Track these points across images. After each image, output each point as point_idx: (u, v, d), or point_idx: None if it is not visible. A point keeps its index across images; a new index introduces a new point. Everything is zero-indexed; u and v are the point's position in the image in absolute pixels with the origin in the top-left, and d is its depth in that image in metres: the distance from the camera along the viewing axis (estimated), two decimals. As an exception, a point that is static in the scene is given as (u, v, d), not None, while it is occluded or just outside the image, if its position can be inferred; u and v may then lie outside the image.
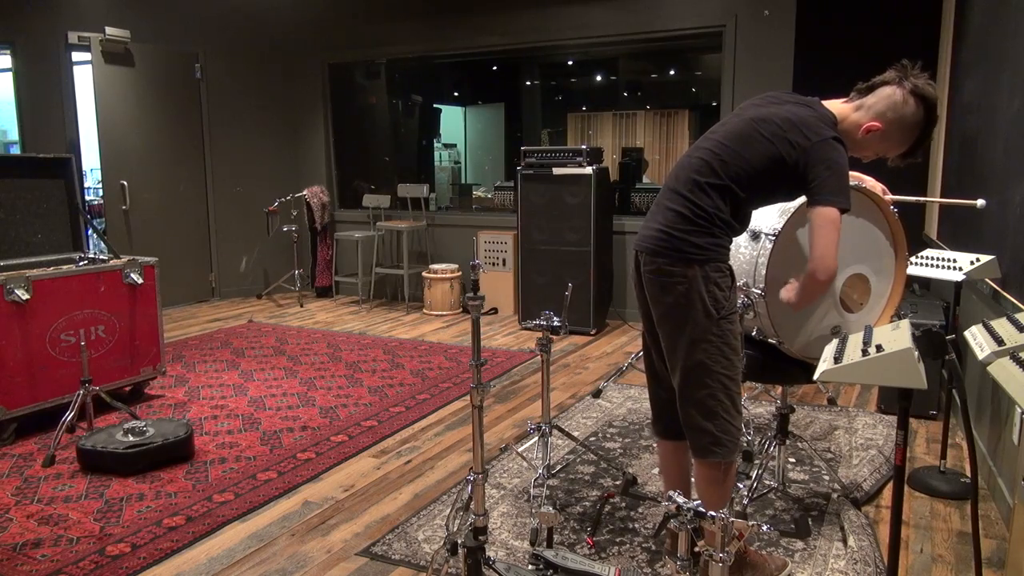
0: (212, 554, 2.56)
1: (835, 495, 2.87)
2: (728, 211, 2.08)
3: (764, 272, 2.44)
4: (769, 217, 2.54)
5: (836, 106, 2.17)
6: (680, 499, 1.63)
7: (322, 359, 5.00)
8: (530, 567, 2.27)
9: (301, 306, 6.84)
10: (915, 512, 2.80)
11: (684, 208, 2.07)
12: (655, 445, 3.41)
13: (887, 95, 2.12)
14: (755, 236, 2.53)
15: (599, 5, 6.05)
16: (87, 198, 7.71)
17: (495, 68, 9.47)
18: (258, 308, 6.83)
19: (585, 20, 6.13)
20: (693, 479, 2.28)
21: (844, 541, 2.53)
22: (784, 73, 5.41)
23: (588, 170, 5.60)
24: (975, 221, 3.54)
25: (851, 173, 2.24)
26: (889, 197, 2.55)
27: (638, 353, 4.40)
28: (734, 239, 2.20)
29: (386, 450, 3.47)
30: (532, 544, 2.52)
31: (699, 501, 1.67)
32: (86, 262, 3.93)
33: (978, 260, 2.84)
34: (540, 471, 2.86)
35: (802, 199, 2.44)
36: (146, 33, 6.48)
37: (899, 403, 1.71)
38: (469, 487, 2.13)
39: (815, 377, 1.76)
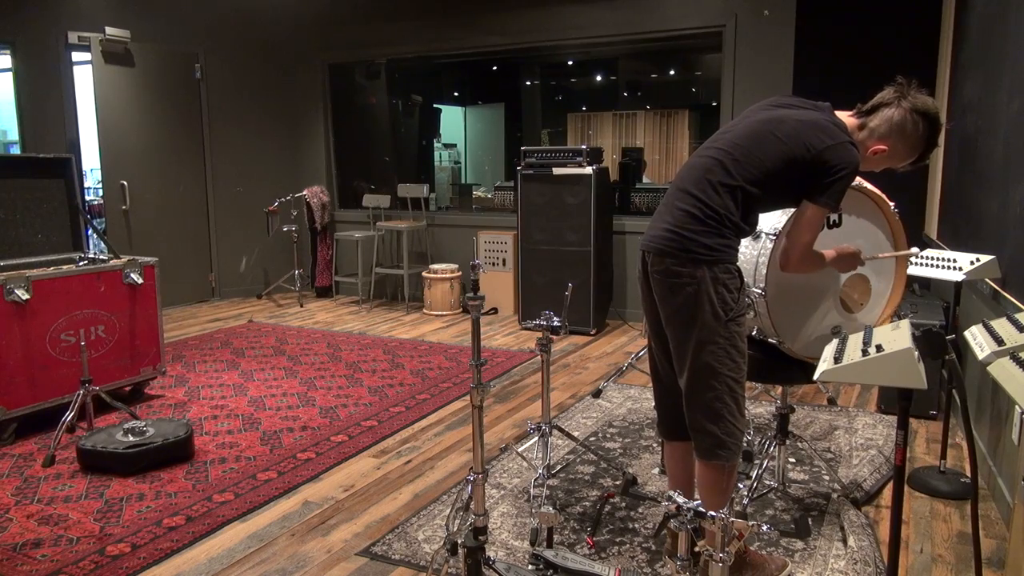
0: (212, 554, 2.56)
1: (835, 495, 2.87)
2: (738, 213, 2.07)
3: (764, 272, 2.45)
4: (770, 217, 2.54)
5: (844, 117, 2.18)
6: (680, 499, 1.63)
7: (322, 359, 5.00)
8: (530, 567, 2.27)
9: (301, 306, 6.84)
10: (915, 512, 2.80)
11: (694, 208, 2.07)
12: (656, 445, 3.41)
13: (888, 117, 2.13)
14: (756, 235, 2.53)
15: (599, 5, 6.06)
16: (87, 198, 7.71)
17: (495, 68, 9.48)
18: (258, 308, 6.83)
19: (585, 20, 6.14)
20: (696, 482, 2.28)
21: (844, 541, 2.53)
22: (784, 73, 5.41)
23: (588, 170, 5.60)
24: (975, 221, 3.54)
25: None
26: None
27: (638, 353, 4.41)
28: None
29: (386, 450, 3.47)
30: (532, 544, 2.53)
31: (699, 501, 1.67)
32: (86, 262, 3.93)
33: (978, 260, 2.84)
34: (540, 471, 2.86)
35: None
36: (146, 33, 6.48)
37: (899, 403, 1.71)
38: (469, 487, 2.13)
39: (815, 377, 1.76)
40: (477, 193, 8.52)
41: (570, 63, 9.09)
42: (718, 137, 2.20)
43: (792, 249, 2.12)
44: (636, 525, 2.68)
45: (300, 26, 7.26)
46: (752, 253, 2.53)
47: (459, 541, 2.07)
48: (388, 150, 8.45)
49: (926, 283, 4.45)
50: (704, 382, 2.08)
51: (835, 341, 1.85)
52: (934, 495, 2.91)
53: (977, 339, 1.71)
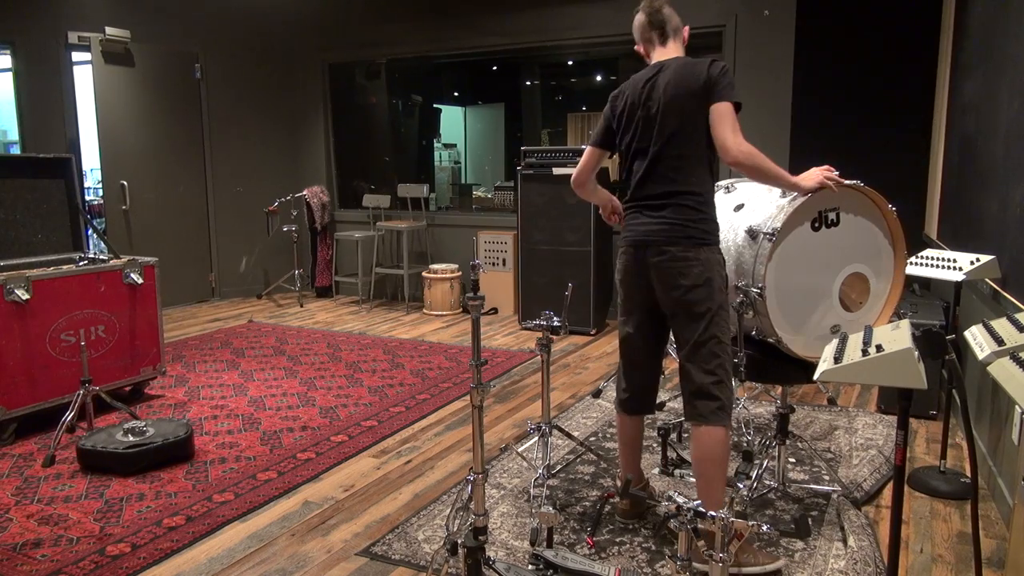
0: (212, 554, 2.56)
1: (835, 495, 2.87)
2: (711, 181, 2.34)
3: (764, 272, 2.45)
4: (767, 216, 2.54)
5: (675, 53, 2.46)
6: (680, 499, 1.64)
7: (322, 359, 5.00)
8: (530, 567, 2.27)
9: (301, 306, 6.84)
10: (915, 512, 2.80)
11: (688, 200, 2.28)
12: (656, 445, 3.41)
13: (671, 15, 2.52)
14: (754, 236, 2.53)
15: (599, 5, 6.05)
16: (87, 198, 7.71)
17: (495, 68, 9.48)
18: (258, 308, 6.83)
19: (585, 20, 6.13)
20: (695, 452, 2.35)
21: (844, 541, 2.53)
22: (784, 73, 5.41)
23: (588, 170, 5.59)
24: (975, 221, 3.54)
25: (843, 181, 2.47)
26: None
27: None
28: (733, 240, 2.32)
29: (386, 450, 3.47)
30: (532, 544, 2.53)
31: (699, 501, 1.68)
32: (86, 262, 3.94)
33: (978, 260, 2.84)
34: (540, 471, 2.86)
35: (800, 198, 2.45)
36: (146, 33, 6.48)
37: (899, 403, 1.71)
38: (469, 487, 2.13)
39: (815, 377, 1.76)
40: (477, 193, 8.53)
41: (570, 63, 9.08)
42: (646, 141, 2.34)
43: (730, 144, 2.21)
44: (636, 525, 2.68)
45: (300, 26, 7.26)
46: (751, 254, 2.53)
47: (459, 541, 2.07)
48: (388, 150, 8.45)
49: (926, 283, 4.45)
50: (710, 352, 2.29)
51: (835, 341, 1.85)
52: (934, 495, 2.91)
53: (977, 339, 1.71)
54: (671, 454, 3.10)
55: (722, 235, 2.67)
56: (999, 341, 1.61)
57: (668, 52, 2.43)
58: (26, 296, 3.55)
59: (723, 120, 2.22)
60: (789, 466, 3.13)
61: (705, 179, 2.31)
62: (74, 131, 6.24)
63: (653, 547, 2.52)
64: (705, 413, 2.30)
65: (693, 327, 2.30)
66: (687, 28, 2.51)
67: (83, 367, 3.54)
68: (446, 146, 9.77)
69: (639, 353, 2.54)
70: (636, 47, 2.53)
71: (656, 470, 3.15)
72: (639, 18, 2.46)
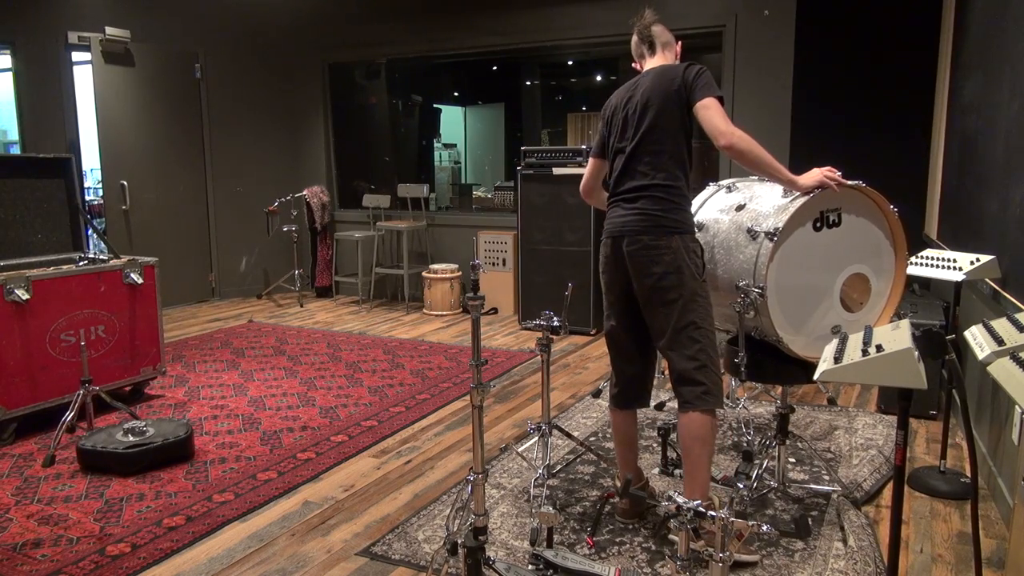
0: (212, 554, 2.56)
1: (835, 495, 2.87)
2: (685, 176, 2.42)
3: (764, 272, 2.45)
4: (768, 216, 2.54)
5: (662, 61, 2.54)
6: (680, 499, 1.64)
7: (322, 359, 5.00)
8: (530, 567, 2.27)
9: (301, 306, 6.84)
10: (915, 512, 2.80)
11: (659, 192, 2.39)
12: (656, 445, 3.41)
13: (660, 32, 2.58)
14: (754, 235, 2.53)
15: (599, 5, 6.05)
16: (87, 198, 7.71)
17: (495, 68, 9.47)
18: (258, 308, 6.83)
19: (585, 20, 6.14)
20: (681, 433, 2.40)
21: (844, 541, 2.53)
22: (784, 73, 5.41)
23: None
24: (975, 221, 3.54)
25: (845, 181, 2.48)
26: None
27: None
28: (734, 240, 2.33)
29: (386, 450, 3.47)
30: (532, 544, 2.53)
31: (698, 500, 1.68)
32: (86, 262, 3.94)
33: (978, 260, 2.84)
34: (540, 471, 2.86)
35: (802, 198, 2.46)
36: (146, 33, 6.48)
37: (899, 403, 1.71)
38: (469, 487, 2.13)
39: (815, 377, 1.76)
40: (477, 193, 8.52)
41: (570, 63, 9.08)
42: (626, 139, 2.46)
43: (723, 129, 2.29)
44: (636, 525, 2.68)
45: (300, 26, 7.26)
46: (751, 253, 2.53)
47: (459, 541, 2.07)
48: (388, 150, 8.45)
49: (926, 283, 4.45)
50: (690, 337, 2.37)
51: (835, 341, 1.85)
52: (934, 495, 2.91)
53: (977, 339, 1.71)
54: (671, 454, 3.10)
55: (723, 235, 2.67)
56: (999, 341, 1.61)
57: (655, 62, 2.56)
58: (26, 296, 3.55)
59: (710, 111, 2.32)
60: (789, 466, 3.13)
61: (678, 174, 2.41)
62: (74, 131, 6.24)
63: (653, 547, 2.52)
64: (691, 399, 2.37)
65: (667, 313, 2.38)
66: (680, 43, 2.62)
67: (83, 367, 3.54)
68: (446, 146, 9.77)
69: (623, 344, 2.60)
70: (633, 64, 2.65)
71: (656, 470, 3.15)
72: (633, 38, 2.60)
